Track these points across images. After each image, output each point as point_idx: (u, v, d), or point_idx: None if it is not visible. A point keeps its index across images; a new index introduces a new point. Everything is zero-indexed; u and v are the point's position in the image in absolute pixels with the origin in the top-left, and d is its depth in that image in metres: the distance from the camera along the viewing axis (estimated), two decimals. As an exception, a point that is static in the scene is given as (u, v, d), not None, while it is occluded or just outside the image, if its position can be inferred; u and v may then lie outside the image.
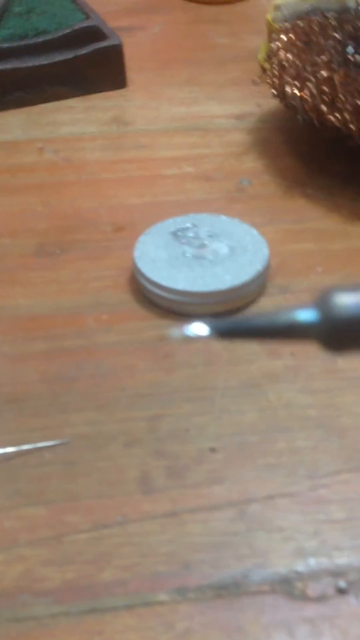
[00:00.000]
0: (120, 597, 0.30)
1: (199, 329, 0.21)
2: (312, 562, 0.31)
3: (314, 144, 0.57)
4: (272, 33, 0.66)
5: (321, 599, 0.30)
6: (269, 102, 0.62)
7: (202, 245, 0.45)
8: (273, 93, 0.54)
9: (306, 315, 0.21)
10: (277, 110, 0.61)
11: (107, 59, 0.63)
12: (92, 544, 0.32)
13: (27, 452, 0.35)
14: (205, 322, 0.22)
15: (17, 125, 0.61)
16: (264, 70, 0.56)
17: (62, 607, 0.30)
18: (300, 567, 0.31)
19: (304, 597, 0.30)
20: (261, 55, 0.70)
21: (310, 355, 0.40)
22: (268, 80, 0.54)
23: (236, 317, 0.23)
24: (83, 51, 0.62)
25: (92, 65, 0.63)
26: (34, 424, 0.37)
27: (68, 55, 0.62)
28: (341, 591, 0.30)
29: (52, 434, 0.36)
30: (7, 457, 0.35)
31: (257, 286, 0.43)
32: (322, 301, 0.21)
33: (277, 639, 0.28)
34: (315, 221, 0.49)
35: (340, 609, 0.29)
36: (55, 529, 0.32)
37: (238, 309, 0.43)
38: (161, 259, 0.44)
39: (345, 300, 0.21)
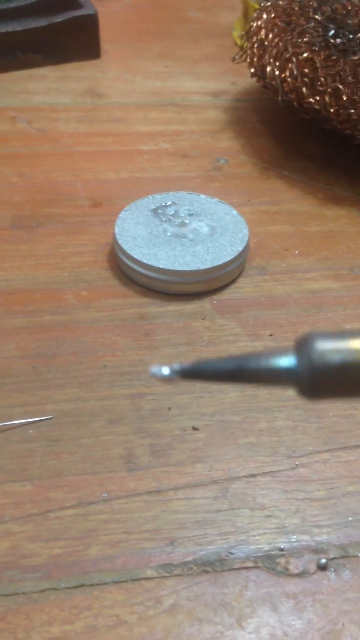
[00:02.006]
0: (108, 573, 0.30)
1: (173, 370, 0.21)
2: (294, 539, 0.32)
3: (289, 126, 0.57)
4: (248, 11, 0.65)
5: (303, 574, 0.30)
6: (244, 81, 0.62)
7: (182, 224, 0.45)
8: (252, 72, 0.54)
9: (285, 361, 0.21)
10: (252, 90, 0.62)
11: (82, 28, 0.62)
12: (78, 520, 0.32)
13: (10, 427, 0.35)
14: (184, 364, 0.21)
15: (-11, 93, 0.60)
16: (241, 48, 0.56)
17: (50, 582, 0.30)
18: (282, 544, 0.31)
19: (286, 573, 0.31)
20: (236, 32, 0.69)
21: (289, 337, 0.40)
22: (247, 59, 0.54)
23: (213, 359, 0.22)
24: (58, 19, 0.61)
25: (67, 34, 0.62)
26: (15, 400, 0.37)
27: (42, 22, 0.61)
28: (322, 567, 0.31)
29: (35, 410, 0.36)
30: (-10, 432, 0.35)
31: (237, 267, 0.43)
32: (301, 347, 0.21)
33: (262, 613, 0.29)
34: (291, 203, 0.50)
35: (321, 585, 0.30)
36: (40, 505, 0.32)
37: (217, 289, 0.43)
38: (142, 236, 0.44)
39: (326, 347, 0.20)
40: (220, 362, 0.22)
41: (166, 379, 0.21)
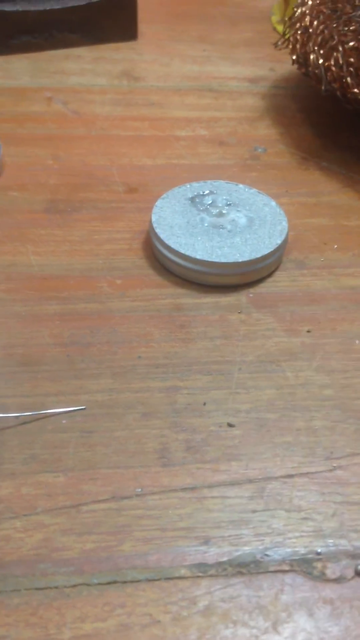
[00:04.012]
0: (141, 570, 0.30)
1: None
2: (331, 543, 0.31)
3: (328, 115, 0.56)
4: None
5: (340, 580, 0.30)
6: (282, 67, 0.61)
7: (220, 214, 0.44)
8: (294, 59, 0.53)
9: None
10: (291, 77, 0.60)
11: (120, 9, 0.61)
12: (111, 514, 0.31)
13: (44, 416, 0.35)
14: None
15: (24, 71, 0.59)
16: (284, 34, 0.55)
17: (82, 577, 0.29)
18: (319, 547, 0.31)
19: (323, 578, 0.30)
20: (275, 17, 0.68)
21: (327, 334, 0.40)
22: (290, 46, 0.53)
23: None
24: (96, -2, 0.60)
25: (105, 14, 0.61)
26: (48, 389, 0.36)
27: (81, 1, 0.60)
28: (360, 574, 0.30)
29: (68, 399, 0.36)
30: (22, 421, 0.35)
31: (275, 260, 0.42)
32: None
33: (298, 618, 0.29)
34: (330, 195, 0.49)
35: (359, 591, 0.30)
36: (73, 498, 0.32)
37: (254, 282, 0.42)
38: (179, 225, 0.43)
39: None
40: None
41: None
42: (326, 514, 0.32)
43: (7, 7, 0.59)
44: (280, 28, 0.66)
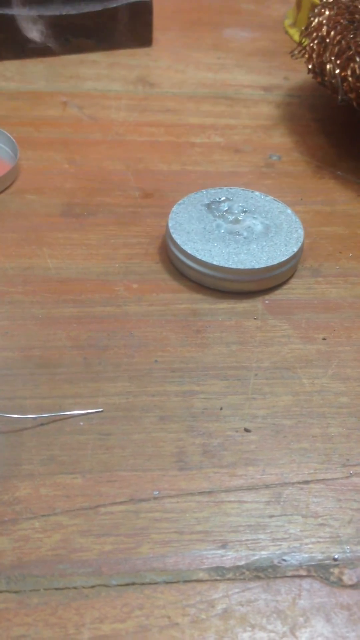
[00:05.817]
0: (159, 573, 0.30)
1: None
2: (348, 549, 0.31)
3: (343, 125, 0.56)
4: (304, 4, 0.64)
5: (357, 586, 0.30)
6: (296, 76, 0.62)
7: (236, 221, 0.44)
8: (309, 68, 0.53)
9: None
10: (305, 86, 0.61)
11: (136, 15, 0.62)
12: (129, 517, 0.32)
13: (62, 418, 0.35)
14: None
15: (40, 76, 0.59)
16: (300, 43, 0.55)
17: (101, 578, 0.30)
18: (335, 553, 0.31)
19: (340, 584, 0.30)
20: (287, 21, 0.68)
21: (343, 342, 0.40)
22: (306, 55, 0.53)
23: None
24: (113, 4, 0.60)
25: (120, 20, 0.61)
26: (66, 391, 0.36)
27: (96, 7, 0.60)
28: (376, 580, 0.30)
29: (85, 402, 0.36)
30: (40, 422, 0.35)
31: (291, 267, 0.43)
32: None
33: (315, 623, 0.29)
34: (345, 204, 0.49)
35: (375, 598, 0.30)
36: (92, 499, 0.32)
37: (269, 289, 0.42)
38: (195, 231, 0.43)
39: None
40: None
41: None
42: (343, 520, 0.32)
43: (24, 12, 0.59)
44: (292, 31, 0.67)
